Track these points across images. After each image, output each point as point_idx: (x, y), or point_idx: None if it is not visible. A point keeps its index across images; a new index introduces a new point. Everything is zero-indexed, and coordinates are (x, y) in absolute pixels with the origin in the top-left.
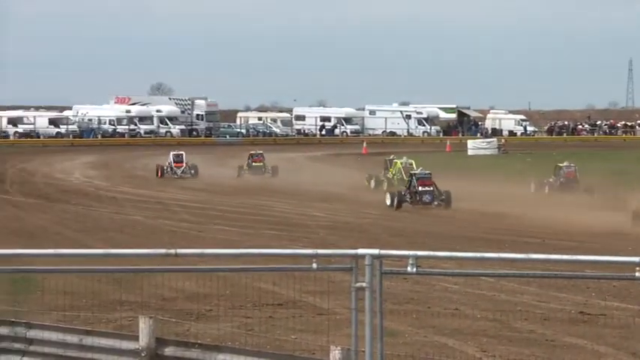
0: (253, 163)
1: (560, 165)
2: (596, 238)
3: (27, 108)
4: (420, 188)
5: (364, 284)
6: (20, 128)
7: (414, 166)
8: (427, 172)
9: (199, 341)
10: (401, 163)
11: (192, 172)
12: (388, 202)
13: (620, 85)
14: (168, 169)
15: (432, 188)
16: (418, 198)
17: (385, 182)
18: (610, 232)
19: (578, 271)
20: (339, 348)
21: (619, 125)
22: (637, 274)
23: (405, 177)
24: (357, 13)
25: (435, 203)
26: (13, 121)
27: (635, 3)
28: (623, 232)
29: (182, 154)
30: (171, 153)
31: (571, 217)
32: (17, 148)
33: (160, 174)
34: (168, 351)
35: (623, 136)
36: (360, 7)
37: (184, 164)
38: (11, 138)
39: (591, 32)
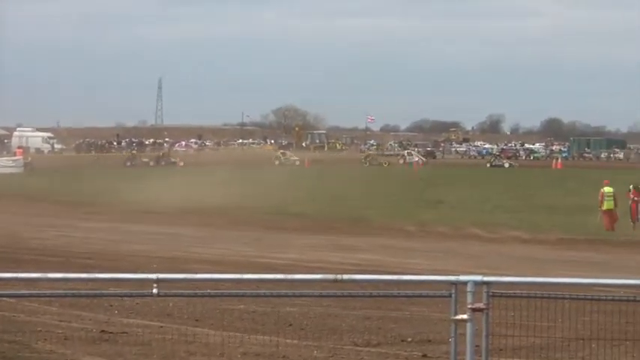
0: None
1: None
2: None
3: None
4: None
5: None
6: None
7: None
8: None
9: None
10: None
11: None
12: None
13: (150, 103)
14: None
15: None
16: None
17: None
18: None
19: (101, 289)
20: None
21: (147, 142)
22: (154, 290)
23: None
24: None
25: None
26: None
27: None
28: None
29: None
30: None
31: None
32: None
33: None
34: None
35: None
36: None
37: None
38: None
39: (121, 50)
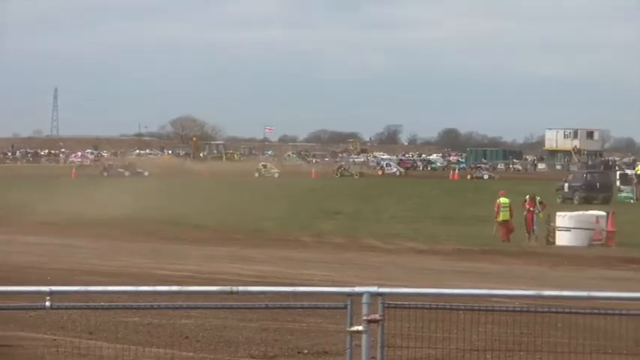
0: None
1: None
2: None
3: None
4: None
5: None
6: None
7: None
8: None
9: None
10: None
11: None
12: None
13: (45, 113)
14: None
15: None
16: None
17: None
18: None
19: None
20: None
21: (42, 153)
22: (47, 303)
23: None
24: None
25: None
26: None
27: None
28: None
29: None
30: None
31: None
32: None
33: None
34: None
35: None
36: None
37: None
38: None
39: (16, 59)
